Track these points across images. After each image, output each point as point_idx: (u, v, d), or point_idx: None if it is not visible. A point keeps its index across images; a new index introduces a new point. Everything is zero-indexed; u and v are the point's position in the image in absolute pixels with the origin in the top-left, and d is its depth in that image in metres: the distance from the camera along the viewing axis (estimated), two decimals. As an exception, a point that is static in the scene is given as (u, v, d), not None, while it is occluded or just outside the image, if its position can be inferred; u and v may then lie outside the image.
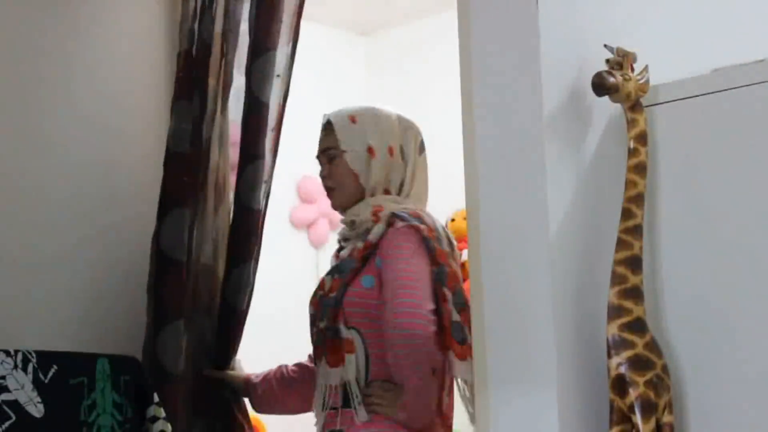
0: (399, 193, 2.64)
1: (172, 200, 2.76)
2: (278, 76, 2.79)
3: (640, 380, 2.10)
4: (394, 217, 2.56)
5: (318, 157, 2.68)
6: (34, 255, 2.59)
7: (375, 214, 2.59)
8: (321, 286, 2.62)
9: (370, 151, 2.60)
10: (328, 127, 2.65)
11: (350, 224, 2.64)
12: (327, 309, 2.53)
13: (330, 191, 2.65)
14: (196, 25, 2.83)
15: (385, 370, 2.50)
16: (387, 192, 2.63)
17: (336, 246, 2.75)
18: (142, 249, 2.79)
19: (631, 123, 2.23)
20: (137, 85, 2.89)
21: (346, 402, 2.49)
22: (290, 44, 2.82)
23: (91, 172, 2.75)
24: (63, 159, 2.69)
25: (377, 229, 2.55)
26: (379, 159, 2.61)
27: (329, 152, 2.63)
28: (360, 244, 2.57)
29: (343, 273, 2.56)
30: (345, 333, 2.50)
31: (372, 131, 2.62)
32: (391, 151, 2.62)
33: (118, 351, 2.51)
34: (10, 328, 2.43)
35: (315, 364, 2.60)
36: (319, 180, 2.75)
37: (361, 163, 2.60)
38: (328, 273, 2.62)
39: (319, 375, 2.54)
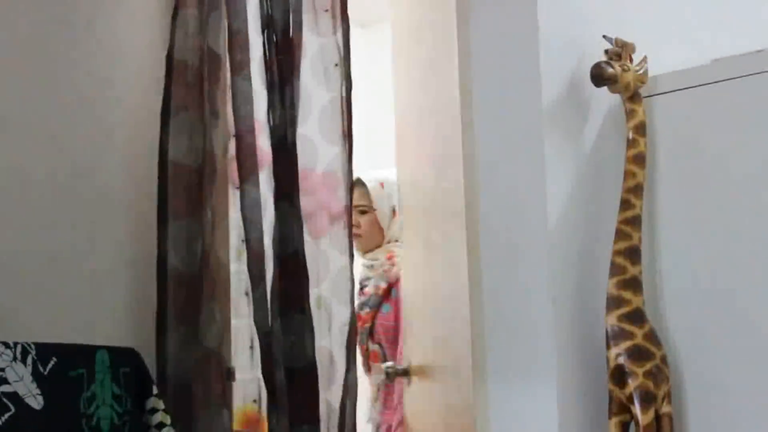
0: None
1: (175, 211, 2.70)
2: (336, 65, 2.74)
3: (639, 371, 2.10)
4: None
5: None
6: (34, 247, 2.59)
7: (389, 258, 3.30)
8: (358, 318, 3.15)
9: (393, 211, 3.31)
10: (361, 187, 3.31)
11: (370, 267, 3.34)
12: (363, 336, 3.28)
13: (357, 237, 3.20)
14: (199, 35, 2.77)
15: None
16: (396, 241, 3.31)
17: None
18: (142, 242, 2.79)
19: (630, 114, 2.23)
20: (138, 85, 2.88)
21: None
22: (341, 31, 2.75)
23: (91, 168, 2.74)
24: (63, 155, 2.68)
25: (396, 271, 3.24)
26: (397, 218, 3.27)
27: (362, 208, 3.31)
28: (383, 283, 3.28)
29: (372, 306, 3.30)
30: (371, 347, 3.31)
31: (394, 197, 3.25)
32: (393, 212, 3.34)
33: (118, 343, 2.51)
34: (9, 320, 2.43)
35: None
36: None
37: (386, 220, 3.33)
38: (360, 308, 3.27)
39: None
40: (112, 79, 2.80)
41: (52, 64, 2.69)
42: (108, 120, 2.79)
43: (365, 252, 3.40)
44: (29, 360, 2.24)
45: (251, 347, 2.89)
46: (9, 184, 2.53)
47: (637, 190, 2.20)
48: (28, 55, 2.64)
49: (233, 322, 2.86)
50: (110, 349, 2.41)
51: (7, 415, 2.16)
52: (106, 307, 2.70)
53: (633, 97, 2.23)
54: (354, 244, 2.85)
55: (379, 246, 3.38)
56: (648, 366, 2.11)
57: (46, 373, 2.26)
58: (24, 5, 2.62)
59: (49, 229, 2.61)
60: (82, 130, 2.72)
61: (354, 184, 2.83)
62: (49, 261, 2.60)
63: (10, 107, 2.58)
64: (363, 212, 3.34)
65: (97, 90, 2.77)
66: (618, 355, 2.12)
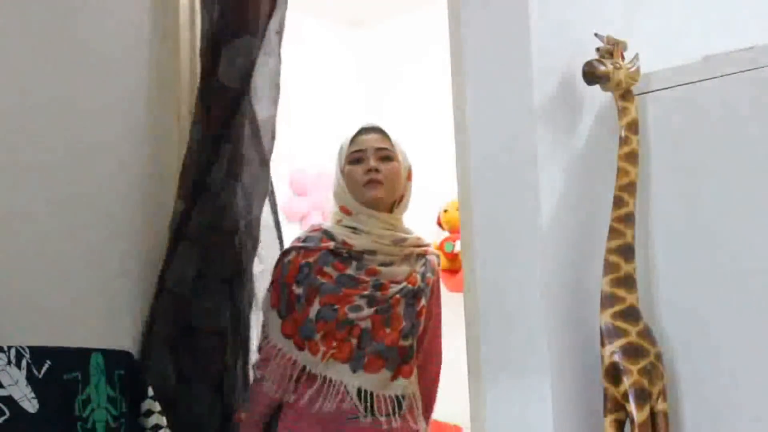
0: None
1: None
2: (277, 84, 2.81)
3: (634, 368, 2.10)
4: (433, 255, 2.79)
5: (365, 150, 2.71)
6: (28, 250, 2.58)
7: (419, 244, 2.73)
8: (421, 312, 2.69)
9: (409, 173, 2.76)
10: (382, 132, 2.75)
11: (400, 241, 2.70)
12: (416, 330, 2.67)
13: (378, 183, 2.69)
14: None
15: None
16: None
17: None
18: (137, 243, 2.79)
19: (622, 111, 2.23)
20: (137, 78, 2.88)
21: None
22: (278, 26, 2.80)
23: (87, 166, 2.74)
24: (58, 154, 2.68)
25: (436, 263, 2.77)
26: (411, 183, 2.77)
27: (386, 152, 2.71)
28: (430, 274, 2.71)
29: (426, 298, 2.69)
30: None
31: (408, 158, 2.77)
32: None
33: (112, 346, 2.51)
34: (3, 324, 2.43)
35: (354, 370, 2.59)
36: (312, 173, 2.79)
37: (403, 178, 2.73)
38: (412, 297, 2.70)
39: (370, 383, 2.58)
40: (124, 90, 2.82)
41: (70, 71, 2.70)
42: (113, 132, 2.80)
43: (382, 203, 2.71)
44: (24, 363, 2.24)
45: None
46: (8, 187, 2.54)
47: (630, 187, 2.20)
48: (46, 60, 2.66)
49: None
50: (105, 352, 2.41)
51: (1, 419, 2.16)
52: (105, 311, 2.71)
53: (625, 94, 2.24)
54: (372, 191, 2.68)
55: (391, 204, 2.73)
56: (642, 363, 2.11)
57: (40, 376, 2.26)
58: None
59: (49, 234, 2.62)
60: (88, 139, 2.74)
61: (368, 129, 2.74)
62: (47, 264, 2.61)
63: (14, 106, 2.59)
64: (386, 158, 2.68)
65: (108, 100, 2.79)
66: (612, 352, 2.12)
